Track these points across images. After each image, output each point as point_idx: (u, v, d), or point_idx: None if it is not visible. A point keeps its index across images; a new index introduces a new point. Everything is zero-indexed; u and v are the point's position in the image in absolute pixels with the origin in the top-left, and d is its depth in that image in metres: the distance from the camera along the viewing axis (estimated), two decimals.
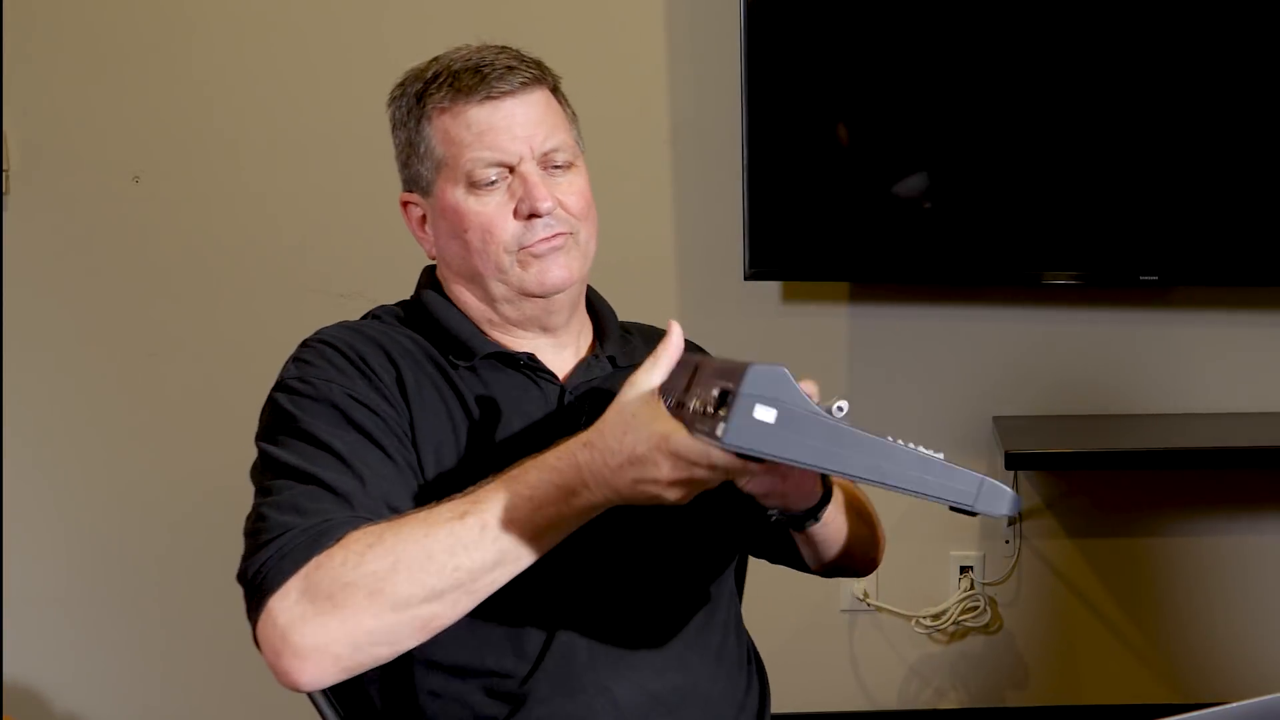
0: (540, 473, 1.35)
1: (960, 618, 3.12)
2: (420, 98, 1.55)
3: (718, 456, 1.26)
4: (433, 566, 1.33)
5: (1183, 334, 3.05)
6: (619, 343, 1.66)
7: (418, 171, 1.58)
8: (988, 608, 3.13)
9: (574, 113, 1.63)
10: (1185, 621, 3.13)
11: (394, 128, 1.60)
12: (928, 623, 3.11)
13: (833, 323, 3.05)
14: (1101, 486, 3.11)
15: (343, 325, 1.59)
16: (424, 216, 1.60)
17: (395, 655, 1.38)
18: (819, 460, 1.23)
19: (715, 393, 1.24)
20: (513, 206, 1.53)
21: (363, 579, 1.33)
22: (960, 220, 2.88)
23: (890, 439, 1.26)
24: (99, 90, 3.01)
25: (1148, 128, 2.83)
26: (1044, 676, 3.16)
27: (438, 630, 1.37)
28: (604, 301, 1.71)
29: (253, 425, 1.56)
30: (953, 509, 1.28)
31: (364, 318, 1.64)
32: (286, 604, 1.34)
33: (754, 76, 2.82)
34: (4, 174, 3.01)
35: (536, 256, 1.54)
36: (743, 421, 1.20)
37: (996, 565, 3.13)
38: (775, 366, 1.22)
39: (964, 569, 3.12)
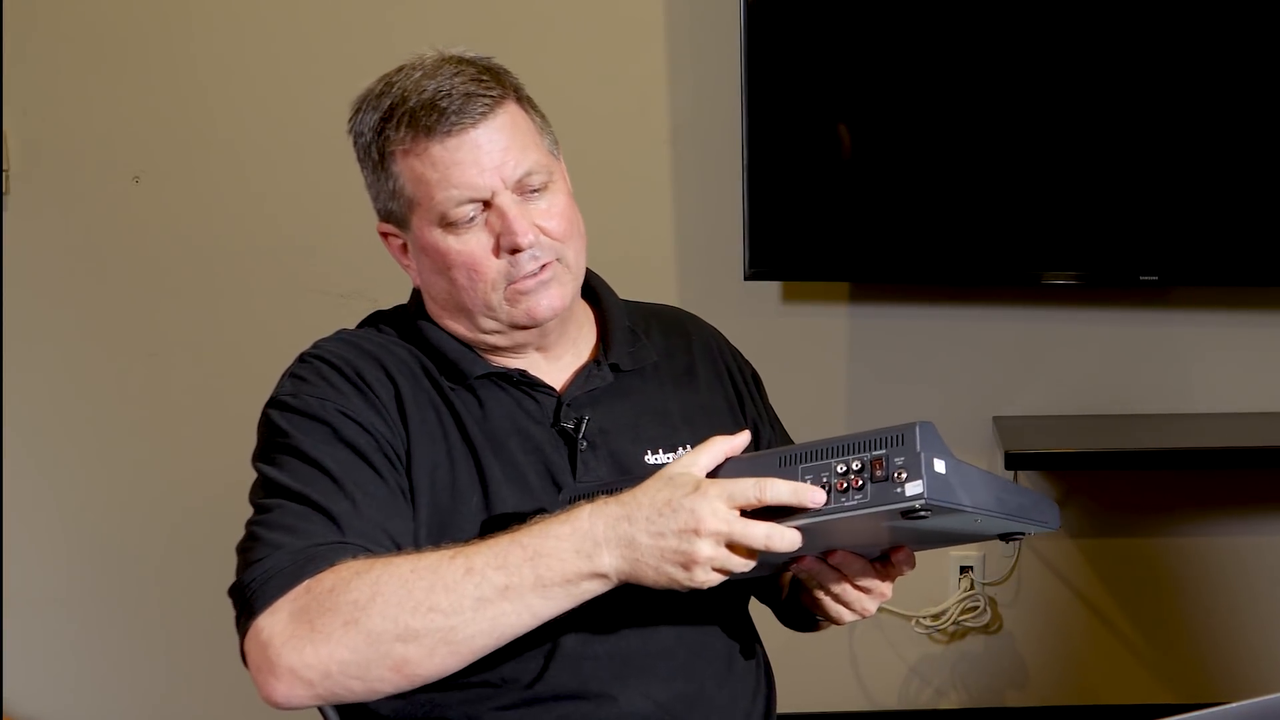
0: (546, 524, 1.32)
1: (960, 618, 3.12)
2: (380, 134, 1.51)
3: (774, 490, 1.27)
4: (409, 602, 1.31)
5: (1183, 334, 3.05)
6: (625, 345, 1.61)
7: (390, 208, 1.54)
8: (988, 608, 3.13)
9: (543, 117, 1.56)
10: (1185, 621, 3.13)
11: (358, 159, 1.55)
12: (928, 623, 3.11)
13: (833, 323, 3.05)
14: (1101, 486, 3.11)
15: (340, 339, 1.57)
16: (404, 245, 1.56)
17: (371, 695, 1.36)
18: (971, 502, 1.30)
19: (856, 465, 1.28)
20: (493, 242, 1.48)
21: (343, 607, 1.32)
22: (960, 220, 2.88)
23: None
24: (99, 90, 3.01)
25: (1147, 127, 2.83)
26: (1044, 676, 3.16)
27: (415, 680, 1.34)
28: (611, 296, 1.66)
29: (253, 424, 1.56)
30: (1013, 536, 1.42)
31: (361, 325, 1.62)
32: (273, 621, 1.34)
33: (754, 76, 2.82)
34: (4, 174, 3.01)
35: (524, 293, 1.50)
36: (931, 476, 1.26)
37: (996, 565, 3.13)
38: (925, 422, 1.29)
39: (964, 569, 3.11)
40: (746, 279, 2.90)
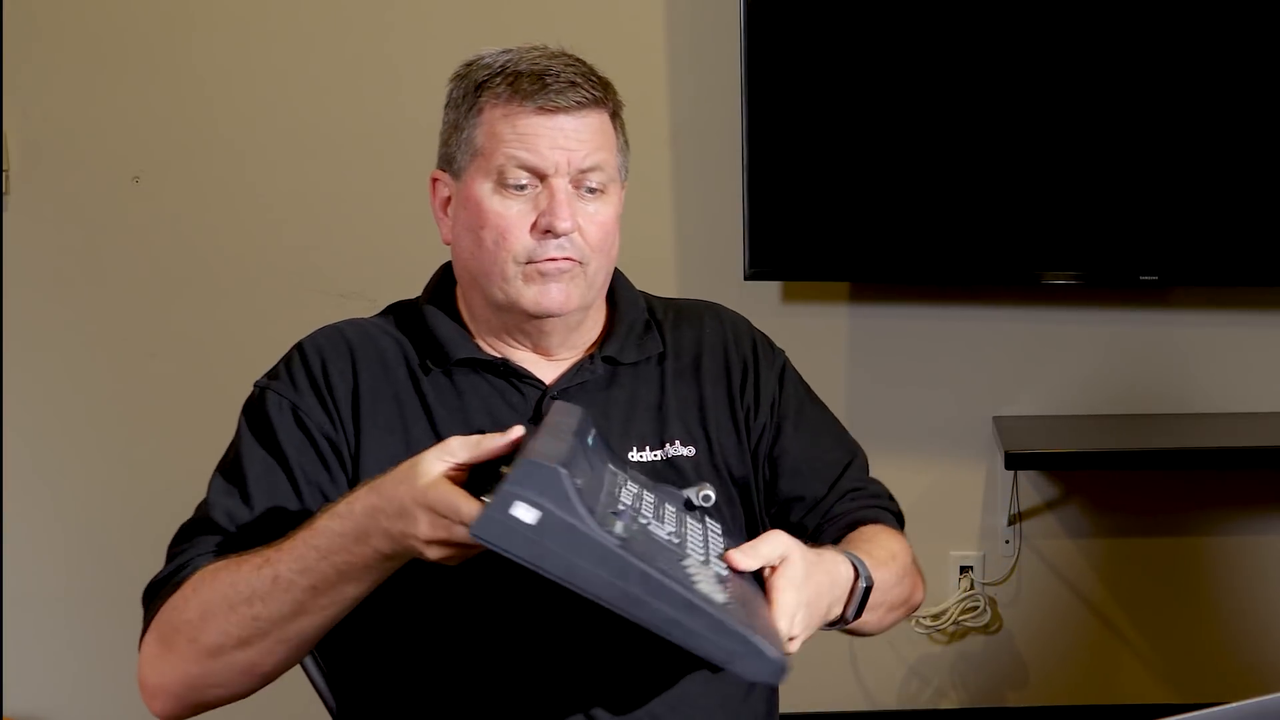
0: (328, 520, 1.36)
1: (960, 618, 3.12)
2: (480, 87, 1.54)
3: (468, 513, 1.24)
4: (235, 617, 1.37)
5: (1183, 334, 3.05)
6: (631, 339, 1.62)
7: (454, 154, 1.56)
8: (987, 608, 3.13)
9: (627, 142, 1.60)
10: (1185, 621, 3.13)
11: (446, 104, 1.58)
12: (928, 623, 3.11)
13: (833, 323, 3.05)
14: (1101, 486, 3.11)
15: (330, 327, 1.60)
16: (449, 198, 1.58)
17: (243, 695, 1.43)
18: (569, 576, 1.15)
19: (504, 469, 1.21)
20: (533, 218, 1.51)
21: (183, 626, 1.41)
22: (960, 220, 2.88)
23: (672, 570, 1.16)
24: (99, 90, 3.01)
25: (1147, 127, 2.83)
26: (1044, 676, 3.16)
27: (272, 676, 1.41)
28: (628, 292, 1.67)
29: None
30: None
31: (380, 313, 1.65)
32: (147, 641, 1.45)
33: (754, 76, 2.82)
34: (4, 174, 3.01)
35: (542, 274, 1.51)
36: (496, 514, 1.15)
37: (996, 565, 3.13)
38: (555, 468, 1.15)
39: (964, 569, 3.11)
40: (746, 279, 2.90)
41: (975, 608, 3.12)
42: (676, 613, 1.14)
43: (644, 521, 1.25)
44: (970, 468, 3.09)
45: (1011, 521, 3.10)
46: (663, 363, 1.63)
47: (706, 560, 1.23)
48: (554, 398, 1.55)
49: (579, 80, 1.52)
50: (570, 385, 1.57)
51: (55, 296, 3.06)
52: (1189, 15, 2.79)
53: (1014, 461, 2.82)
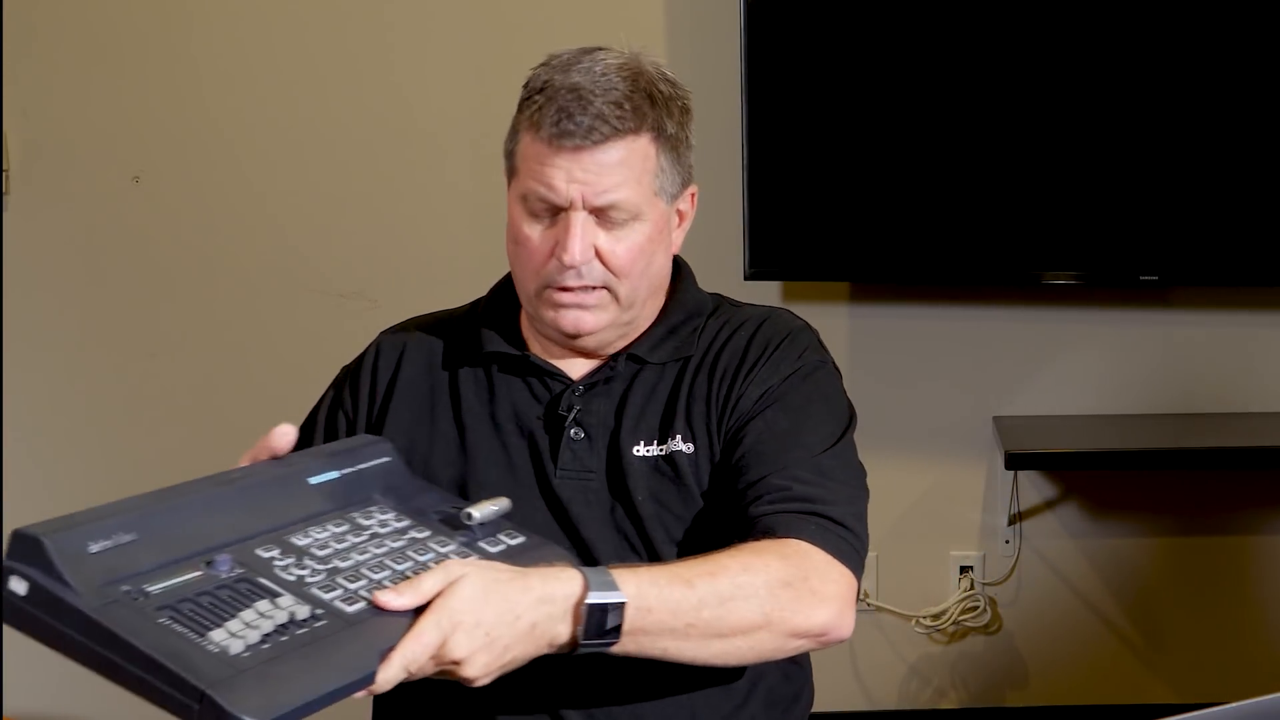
0: None
1: (960, 618, 3.12)
2: (523, 104, 1.54)
3: None
4: None
5: (1183, 334, 3.05)
6: (666, 339, 1.61)
7: (506, 160, 1.59)
8: (988, 608, 3.13)
9: (676, 160, 1.55)
10: (1185, 621, 3.13)
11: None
12: (928, 623, 3.11)
13: (833, 323, 3.05)
14: (1101, 486, 3.11)
15: (409, 320, 1.68)
16: None
17: None
18: (61, 646, 1.12)
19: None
20: (552, 244, 1.52)
21: None
22: (960, 220, 2.88)
23: (146, 625, 1.10)
24: (99, 90, 3.02)
25: (1147, 127, 2.83)
26: (1044, 676, 3.16)
27: None
28: (685, 297, 1.65)
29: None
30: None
31: (467, 303, 1.70)
32: None
33: (754, 76, 2.82)
34: (4, 174, 3.01)
35: (558, 304, 1.53)
36: (4, 591, 1.09)
37: (996, 565, 3.13)
38: (36, 536, 1.09)
39: (964, 569, 3.11)
40: (746, 279, 2.90)
41: (975, 608, 3.12)
42: (143, 672, 1.09)
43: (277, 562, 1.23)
44: (970, 468, 3.09)
45: (1011, 521, 3.10)
46: (688, 363, 1.62)
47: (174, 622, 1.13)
48: (578, 393, 1.57)
49: (607, 110, 1.49)
50: (595, 381, 1.58)
51: (55, 296, 3.07)
52: (1188, 15, 2.79)
53: (1014, 461, 2.82)
